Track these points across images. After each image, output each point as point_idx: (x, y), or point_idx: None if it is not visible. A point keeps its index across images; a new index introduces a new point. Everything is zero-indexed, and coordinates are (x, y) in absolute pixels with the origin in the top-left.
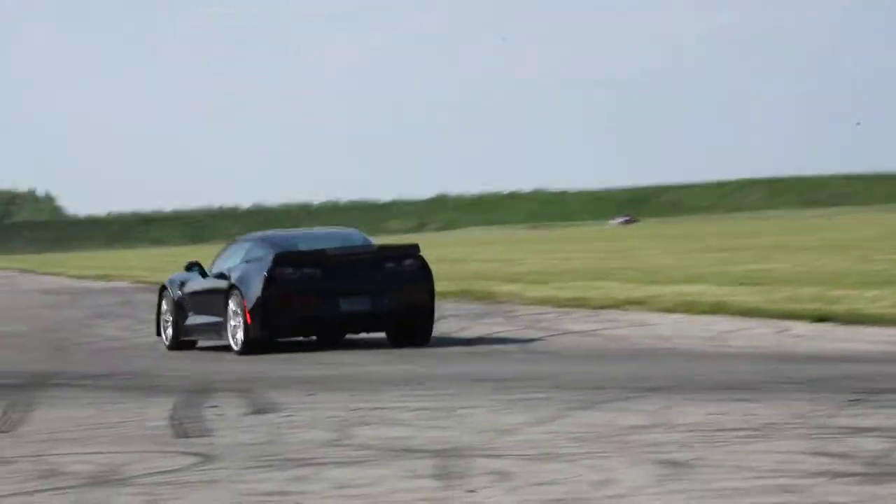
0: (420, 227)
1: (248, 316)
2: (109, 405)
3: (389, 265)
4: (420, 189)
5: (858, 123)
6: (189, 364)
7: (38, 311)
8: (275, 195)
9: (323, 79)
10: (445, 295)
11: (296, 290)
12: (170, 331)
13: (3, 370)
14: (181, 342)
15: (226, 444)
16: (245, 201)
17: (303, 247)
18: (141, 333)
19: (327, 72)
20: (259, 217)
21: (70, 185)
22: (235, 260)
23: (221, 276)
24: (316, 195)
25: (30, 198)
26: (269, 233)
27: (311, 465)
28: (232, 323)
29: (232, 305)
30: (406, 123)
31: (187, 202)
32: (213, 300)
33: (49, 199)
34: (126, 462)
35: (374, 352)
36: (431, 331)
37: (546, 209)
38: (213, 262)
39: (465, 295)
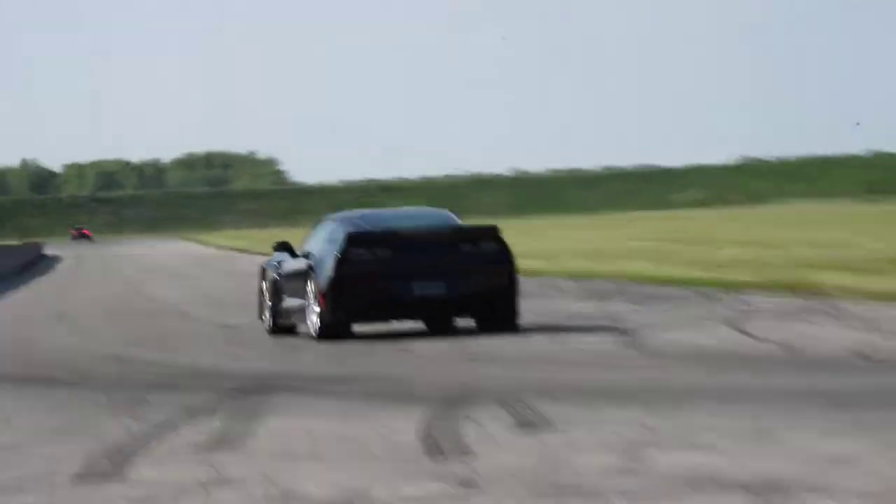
0: (716, 200)
1: (321, 299)
2: (350, 415)
3: (466, 247)
4: (716, 154)
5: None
6: (443, 367)
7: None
8: (538, 161)
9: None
10: (757, 286)
11: (367, 271)
12: (268, 314)
13: (225, 371)
14: (279, 326)
15: (487, 466)
16: (502, 168)
17: (381, 227)
18: (387, 330)
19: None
20: (518, 185)
21: (294, 148)
22: (319, 240)
23: (306, 256)
24: (588, 161)
25: (249, 161)
26: (355, 212)
27: (594, 497)
28: (311, 306)
29: (309, 287)
30: (700, 81)
31: (433, 169)
32: (299, 282)
33: (270, 163)
34: (369, 485)
35: (671, 357)
36: (515, 316)
37: (889, 176)
38: (304, 242)
39: (777, 287)
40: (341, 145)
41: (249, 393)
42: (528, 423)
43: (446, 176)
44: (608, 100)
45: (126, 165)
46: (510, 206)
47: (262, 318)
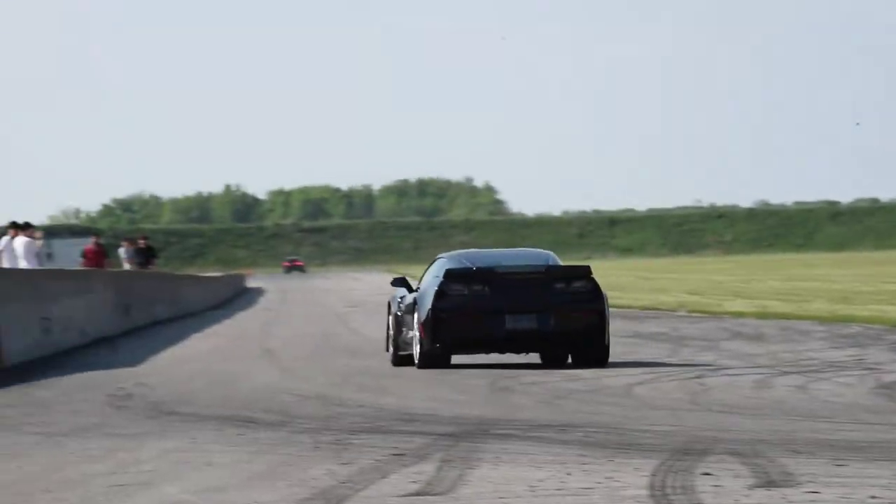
0: None
1: (421, 330)
2: (570, 465)
3: (559, 285)
4: None
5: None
6: (671, 415)
7: None
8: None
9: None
10: None
11: (462, 305)
12: (391, 346)
13: (436, 414)
14: (399, 357)
15: None
16: (743, 199)
17: (480, 265)
18: (614, 373)
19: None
20: (758, 218)
21: (513, 176)
22: (429, 276)
23: (417, 290)
24: (846, 194)
25: (464, 190)
26: (465, 251)
27: None
28: (416, 336)
29: (414, 319)
30: None
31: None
32: (411, 315)
33: (488, 192)
34: None
35: None
36: (606, 353)
37: None
38: (420, 278)
39: None
40: (563, 174)
41: (462, 438)
42: (769, 480)
43: (678, 207)
44: (869, 127)
45: (334, 192)
46: (751, 241)
47: (388, 350)
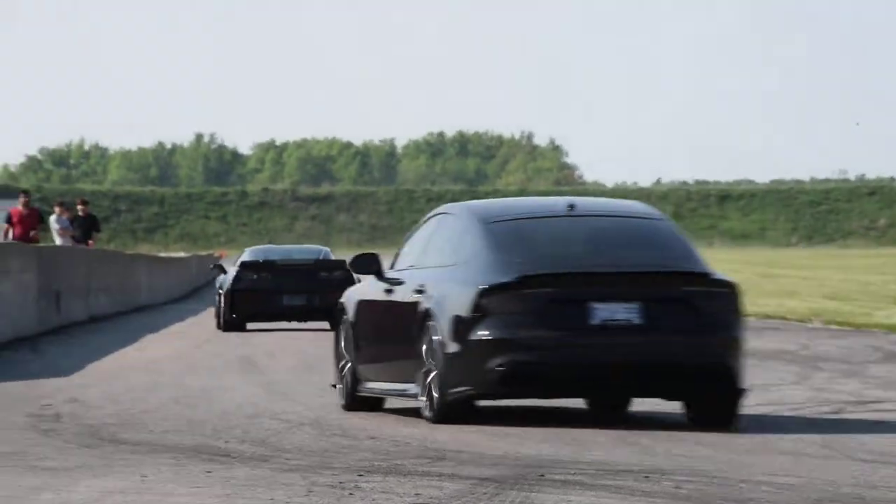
0: None
1: (225, 304)
2: None
3: (324, 274)
4: None
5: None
6: (794, 463)
7: None
8: None
9: None
10: None
11: (251, 287)
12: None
13: (486, 452)
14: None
15: None
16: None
17: (267, 258)
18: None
19: None
20: None
21: (584, 134)
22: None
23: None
24: None
25: (522, 149)
26: (262, 247)
27: None
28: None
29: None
30: None
31: (796, 171)
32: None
33: (554, 153)
34: None
35: None
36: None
37: None
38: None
39: None
40: (653, 132)
41: (508, 484)
42: None
43: (813, 181)
44: None
45: (343, 149)
46: None
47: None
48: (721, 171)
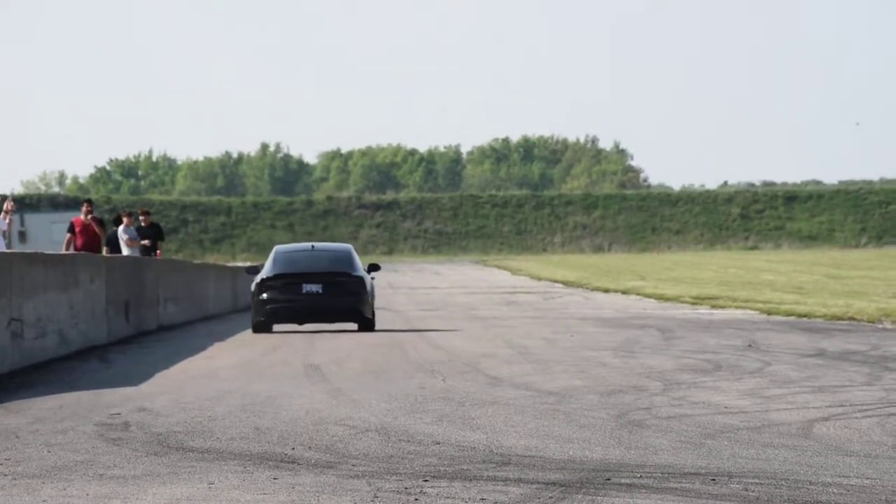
0: None
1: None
2: None
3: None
4: None
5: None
6: (865, 465)
7: (600, 356)
8: None
9: None
10: None
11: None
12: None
13: (539, 455)
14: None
15: None
16: None
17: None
18: (787, 405)
19: None
20: None
21: (649, 137)
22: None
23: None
24: None
25: (587, 153)
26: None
27: None
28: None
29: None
30: None
31: (865, 171)
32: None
33: (619, 157)
34: None
35: None
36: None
37: None
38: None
39: None
40: (720, 134)
41: (574, 488)
42: None
43: (883, 181)
44: None
45: (408, 156)
46: None
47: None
48: (788, 171)
